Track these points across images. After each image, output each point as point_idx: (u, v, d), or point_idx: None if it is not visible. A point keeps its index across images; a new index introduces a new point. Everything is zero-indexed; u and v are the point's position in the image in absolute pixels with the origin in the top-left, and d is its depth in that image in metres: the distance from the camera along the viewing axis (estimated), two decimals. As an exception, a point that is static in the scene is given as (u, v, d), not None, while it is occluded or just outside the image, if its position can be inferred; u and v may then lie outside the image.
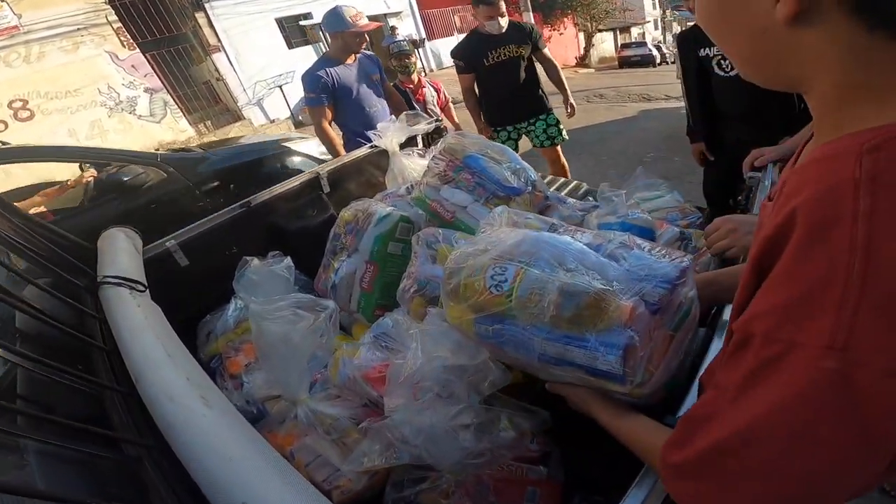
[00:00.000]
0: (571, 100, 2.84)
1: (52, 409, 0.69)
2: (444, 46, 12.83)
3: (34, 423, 0.58)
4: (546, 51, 2.72)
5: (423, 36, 12.53)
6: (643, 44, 19.76)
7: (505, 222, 0.83)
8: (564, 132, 2.83)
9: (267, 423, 1.03)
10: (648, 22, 26.00)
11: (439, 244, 1.00)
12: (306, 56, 10.01)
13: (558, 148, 2.85)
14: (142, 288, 1.03)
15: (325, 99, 2.22)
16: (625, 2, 20.86)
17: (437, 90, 3.26)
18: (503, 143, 2.70)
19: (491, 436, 0.71)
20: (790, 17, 0.33)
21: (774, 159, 1.33)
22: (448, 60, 14.10)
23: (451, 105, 3.34)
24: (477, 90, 2.75)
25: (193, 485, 0.52)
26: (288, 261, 1.21)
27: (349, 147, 2.27)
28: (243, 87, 9.09)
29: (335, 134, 2.30)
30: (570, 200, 1.36)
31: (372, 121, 2.32)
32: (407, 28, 11.73)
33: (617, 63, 17.85)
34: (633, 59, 17.44)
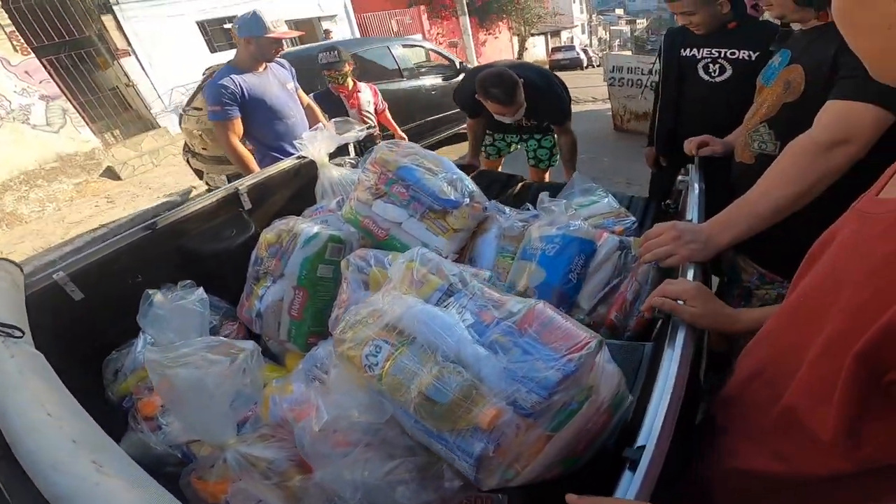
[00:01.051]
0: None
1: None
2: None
3: None
4: (569, 125, 2.28)
5: (358, 39, 12.25)
6: (572, 47, 20.68)
7: (402, 278, 0.78)
8: (557, 159, 2.52)
9: (195, 468, 0.90)
10: (577, 26, 27.33)
11: (370, 268, 0.92)
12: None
13: (545, 174, 2.62)
14: (18, 334, 0.86)
15: (233, 112, 2.00)
16: (555, 6, 21.75)
17: (375, 95, 3.09)
18: (487, 147, 2.56)
19: (435, 486, 0.64)
20: None
21: (721, 154, 1.37)
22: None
23: (388, 113, 3.14)
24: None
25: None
26: (200, 292, 1.07)
27: (263, 164, 2.06)
28: (158, 94, 8.37)
29: (247, 151, 2.09)
30: (509, 210, 1.32)
31: (290, 133, 2.14)
32: (342, 32, 11.39)
33: (548, 66, 18.59)
34: (563, 62, 18.25)
